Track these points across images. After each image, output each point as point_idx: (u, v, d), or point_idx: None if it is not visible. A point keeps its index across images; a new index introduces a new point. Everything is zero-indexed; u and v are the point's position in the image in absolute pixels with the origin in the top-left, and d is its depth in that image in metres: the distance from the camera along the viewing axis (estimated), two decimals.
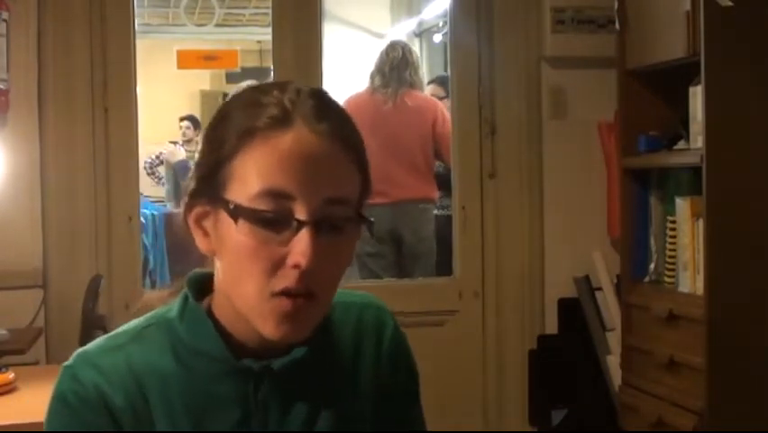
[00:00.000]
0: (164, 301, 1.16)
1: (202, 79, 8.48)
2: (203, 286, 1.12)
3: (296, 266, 1.01)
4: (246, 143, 1.03)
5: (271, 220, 1.01)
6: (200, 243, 1.09)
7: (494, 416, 3.80)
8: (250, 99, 1.07)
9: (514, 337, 3.80)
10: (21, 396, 2.37)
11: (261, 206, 1.01)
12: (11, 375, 2.40)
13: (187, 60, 7.24)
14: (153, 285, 5.03)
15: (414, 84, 4.49)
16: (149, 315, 1.14)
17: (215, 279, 1.10)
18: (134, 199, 3.64)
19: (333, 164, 1.04)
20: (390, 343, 1.19)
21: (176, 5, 6.63)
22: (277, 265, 1.02)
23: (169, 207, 6.37)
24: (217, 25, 6.75)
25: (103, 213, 3.53)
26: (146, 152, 6.20)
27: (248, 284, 1.03)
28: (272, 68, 3.87)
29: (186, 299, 1.11)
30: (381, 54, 4.52)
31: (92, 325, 3.19)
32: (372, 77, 4.47)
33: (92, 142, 3.51)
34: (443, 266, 4.21)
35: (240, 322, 1.07)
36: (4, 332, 2.99)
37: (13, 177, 3.39)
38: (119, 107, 3.56)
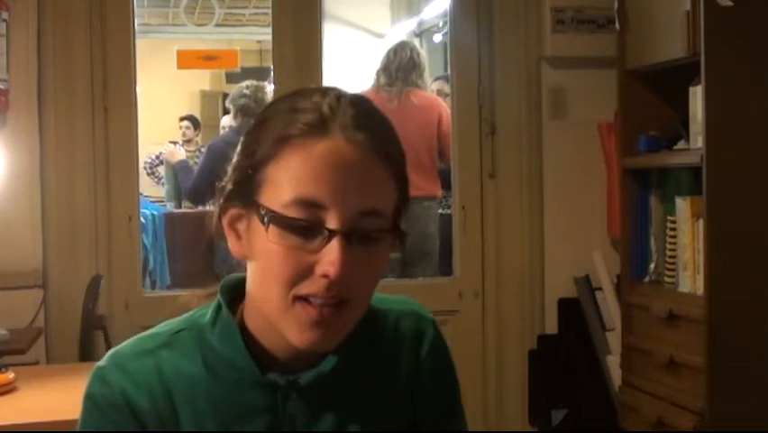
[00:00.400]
0: (201, 302, 1.15)
1: (202, 79, 8.48)
2: (238, 291, 1.11)
3: (324, 276, 1.00)
4: (281, 149, 1.02)
5: (302, 228, 1.00)
6: (233, 246, 1.08)
7: (494, 416, 3.80)
8: (289, 104, 1.06)
9: (514, 337, 3.80)
10: (21, 396, 2.36)
11: (293, 213, 1.00)
12: (11, 375, 2.39)
13: (186, 60, 7.23)
14: (153, 285, 5.03)
15: (418, 85, 4.49)
16: (183, 318, 1.13)
17: (247, 285, 1.09)
18: (134, 199, 3.64)
19: (368, 176, 1.03)
20: (429, 355, 1.17)
21: (176, 5, 6.62)
22: (305, 273, 1.01)
23: (169, 207, 6.37)
24: (217, 25, 6.75)
25: (103, 213, 3.53)
26: (146, 151, 6.20)
27: (273, 289, 1.02)
28: (272, 68, 3.87)
29: (219, 306, 1.10)
30: (389, 53, 4.50)
31: (92, 325, 3.19)
32: (378, 75, 4.47)
33: (92, 142, 3.51)
34: (448, 265, 4.20)
35: (269, 330, 1.06)
36: (4, 332, 2.99)
37: (13, 177, 3.39)
38: (119, 107, 3.56)
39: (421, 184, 4.37)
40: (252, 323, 1.09)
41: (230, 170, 1.08)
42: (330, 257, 0.99)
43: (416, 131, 4.36)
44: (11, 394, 2.36)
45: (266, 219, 1.01)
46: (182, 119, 7.32)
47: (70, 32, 3.47)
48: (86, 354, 3.12)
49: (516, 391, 3.80)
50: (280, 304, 1.02)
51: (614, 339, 3.60)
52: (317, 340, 1.03)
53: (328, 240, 1.00)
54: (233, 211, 1.07)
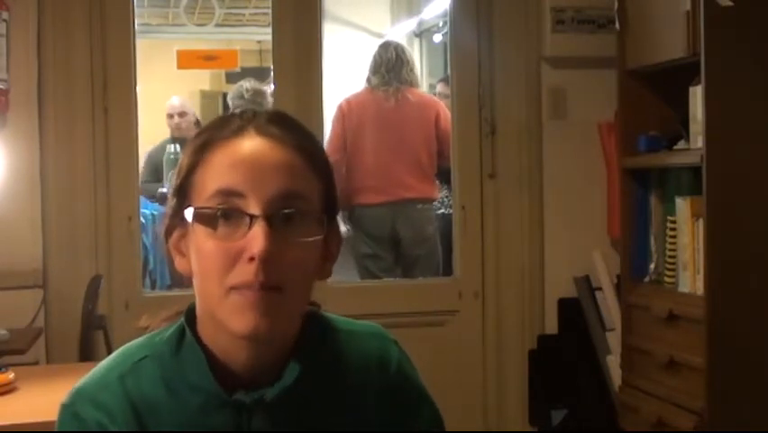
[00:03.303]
0: (161, 325, 1.17)
1: (202, 79, 8.46)
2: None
3: (251, 258, 1.03)
4: (203, 156, 1.08)
5: (225, 218, 1.05)
6: (178, 264, 1.12)
7: (494, 416, 3.80)
8: (211, 124, 1.13)
9: (514, 337, 3.80)
10: (21, 396, 2.36)
11: (214, 204, 1.05)
12: (11, 375, 2.40)
13: (186, 60, 7.22)
14: (153, 285, 5.02)
15: (412, 82, 4.48)
16: (143, 343, 1.15)
17: (196, 301, 1.11)
18: (134, 199, 3.64)
19: (283, 163, 1.07)
20: (396, 374, 1.19)
21: (176, 5, 6.62)
22: (234, 261, 1.04)
23: None
24: (217, 25, 6.74)
25: (103, 213, 3.53)
26: (146, 152, 6.17)
27: (210, 284, 1.05)
28: (272, 68, 3.87)
29: (182, 332, 1.12)
30: (375, 56, 4.50)
31: (92, 325, 3.19)
32: (370, 78, 4.45)
33: (92, 142, 3.51)
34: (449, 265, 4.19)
35: (224, 341, 1.08)
36: (4, 332, 2.99)
37: (13, 177, 3.39)
38: (119, 107, 3.55)
39: (417, 186, 4.34)
40: (209, 339, 1.10)
41: (169, 196, 1.14)
42: (254, 239, 1.03)
43: (413, 131, 4.34)
44: (11, 394, 2.36)
45: (192, 217, 1.06)
46: None
47: (70, 32, 3.47)
48: (86, 354, 3.12)
49: (516, 391, 3.80)
50: (218, 296, 1.05)
51: (614, 339, 3.60)
52: (255, 325, 1.04)
53: (251, 225, 1.04)
54: (176, 234, 1.11)
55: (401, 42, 4.82)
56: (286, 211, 1.05)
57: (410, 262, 4.41)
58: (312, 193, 1.08)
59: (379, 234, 4.34)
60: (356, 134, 4.36)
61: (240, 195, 1.04)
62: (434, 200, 4.49)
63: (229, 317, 1.05)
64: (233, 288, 1.04)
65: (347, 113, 4.40)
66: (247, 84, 5.23)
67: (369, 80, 4.46)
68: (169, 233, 1.12)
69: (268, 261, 1.02)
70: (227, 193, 1.05)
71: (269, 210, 1.04)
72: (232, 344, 1.08)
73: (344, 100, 4.46)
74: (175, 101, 5.69)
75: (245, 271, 1.03)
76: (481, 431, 3.78)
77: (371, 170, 4.32)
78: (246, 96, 5.07)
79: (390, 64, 4.42)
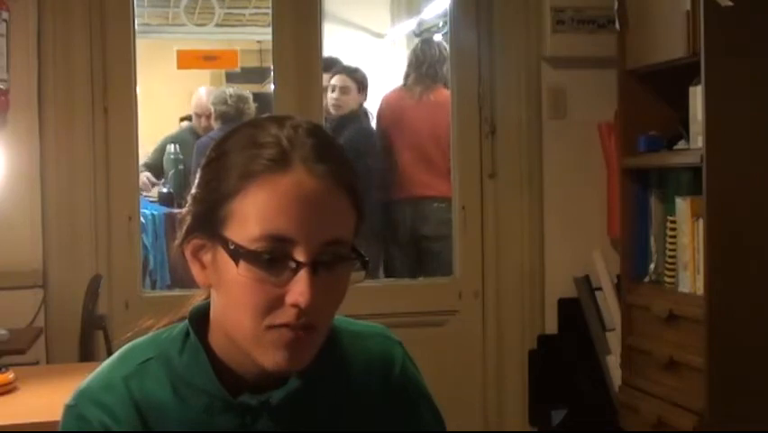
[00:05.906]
0: (161, 327, 1.17)
1: (202, 79, 8.46)
2: (205, 317, 1.13)
3: (294, 305, 1.02)
4: (246, 185, 1.04)
5: (271, 261, 1.03)
6: (197, 275, 1.10)
7: (494, 416, 3.80)
8: (248, 137, 1.07)
9: (514, 337, 3.80)
10: (21, 396, 2.36)
11: (262, 248, 1.02)
12: (11, 375, 2.40)
13: (186, 60, 7.22)
14: (153, 285, 5.02)
15: (447, 81, 4.41)
16: (149, 343, 1.14)
17: (212, 311, 1.11)
18: (134, 199, 3.64)
19: (331, 207, 1.05)
20: (400, 375, 1.20)
21: (176, 5, 6.62)
22: (275, 303, 1.03)
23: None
24: (217, 25, 6.74)
25: (103, 213, 3.53)
26: (146, 152, 6.18)
27: (245, 319, 1.04)
28: (272, 68, 3.87)
29: (187, 334, 1.12)
30: (416, 53, 4.48)
31: (92, 325, 3.19)
32: (408, 75, 4.46)
33: (92, 141, 3.51)
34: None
35: (237, 354, 1.08)
36: (4, 332, 2.99)
37: (13, 177, 3.39)
38: (119, 107, 3.55)
39: (432, 183, 4.32)
40: (219, 347, 1.10)
41: (189, 200, 1.10)
42: (299, 288, 1.02)
43: (428, 130, 4.32)
44: (11, 394, 2.36)
45: (236, 254, 1.03)
46: (182, 119, 7.30)
47: (70, 32, 3.47)
48: (86, 354, 3.12)
49: (516, 391, 3.80)
50: (253, 332, 1.04)
51: (614, 339, 3.60)
52: (289, 362, 1.05)
53: (296, 271, 1.02)
54: (195, 241, 1.09)
55: (441, 40, 4.75)
56: (329, 258, 1.04)
57: (425, 260, 4.39)
58: (351, 232, 1.07)
59: (399, 232, 4.35)
60: (381, 135, 4.41)
61: (289, 241, 1.02)
62: (449, 199, 4.44)
63: (264, 354, 1.05)
64: (270, 326, 1.04)
65: (378, 114, 4.48)
66: (230, 90, 5.28)
67: (405, 78, 4.46)
68: (186, 241, 1.09)
69: (310, 307, 1.02)
70: (277, 239, 1.02)
71: (315, 257, 1.03)
72: (244, 358, 1.07)
73: (381, 99, 4.53)
74: (203, 96, 5.62)
75: (286, 315, 1.03)
76: (481, 431, 3.78)
77: (390, 168, 4.35)
78: (229, 101, 5.11)
79: (434, 60, 4.42)
